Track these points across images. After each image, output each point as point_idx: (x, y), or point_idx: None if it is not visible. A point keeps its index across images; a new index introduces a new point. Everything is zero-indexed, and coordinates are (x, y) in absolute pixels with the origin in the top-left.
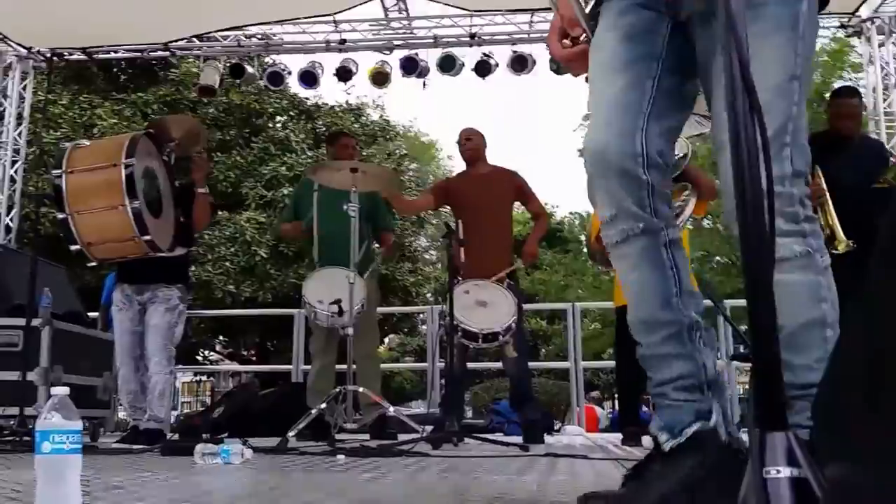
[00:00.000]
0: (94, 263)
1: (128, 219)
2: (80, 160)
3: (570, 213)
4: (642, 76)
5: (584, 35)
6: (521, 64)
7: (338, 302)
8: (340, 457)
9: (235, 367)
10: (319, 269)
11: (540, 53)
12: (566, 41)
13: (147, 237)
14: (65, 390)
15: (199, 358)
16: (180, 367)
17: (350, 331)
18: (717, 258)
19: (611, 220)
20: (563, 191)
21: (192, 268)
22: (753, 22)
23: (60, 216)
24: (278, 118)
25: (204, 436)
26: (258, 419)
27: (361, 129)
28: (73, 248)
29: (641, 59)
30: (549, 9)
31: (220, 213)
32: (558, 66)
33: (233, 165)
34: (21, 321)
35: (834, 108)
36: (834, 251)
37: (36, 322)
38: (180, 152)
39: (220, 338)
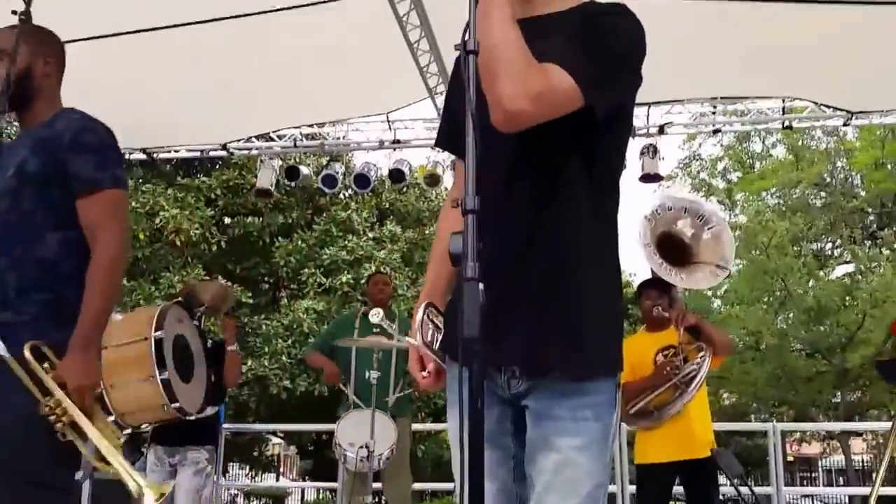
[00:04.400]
0: (128, 431)
1: (158, 389)
2: (113, 336)
3: None
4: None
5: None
6: None
7: (367, 446)
8: None
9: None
10: (353, 411)
11: None
12: (424, 373)
13: (176, 404)
14: None
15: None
16: None
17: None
18: None
19: None
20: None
21: (248, 362)
22: (574, 434)
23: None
24: (342, 195)
25: None
26: None
27: (426, 204)
28: (109, 418)
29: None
30: None
31: (280, 295)
32: None
33: (293, 250)
34: None
35: None
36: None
37: (77, 475)
38: (211, 314)
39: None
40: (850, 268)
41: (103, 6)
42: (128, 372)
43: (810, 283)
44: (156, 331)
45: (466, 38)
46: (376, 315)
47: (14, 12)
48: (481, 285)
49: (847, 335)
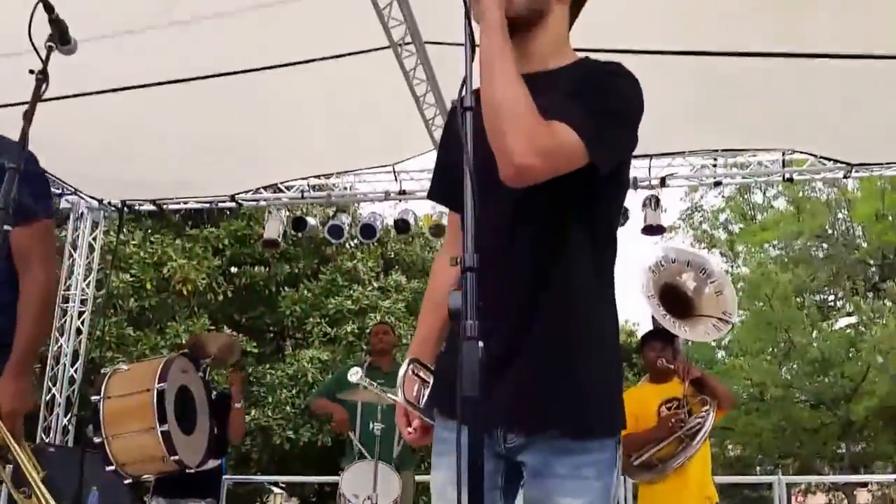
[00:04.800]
0: (129, 480)
1: (158, 441)
2: (117, 386)
3: None
4: None
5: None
6: None
7: (371, 498)
8: None
9: None
10: (357, 462)
11: None
12: (409, 428)
13: (176, 457)
14: None
15: None
16: None
17: None
18: None
19: None
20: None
21: (251, 411)
22: (576, 493)
23: (97, 440)
24: (347, 244)
25: None
26: None
27: (432, 254)
28: (108, 468)
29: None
30: None
31: (285, 345)
32: None
33: (299, 300)
34: None
35: None
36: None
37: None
38: (216, 366)
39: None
40: (853, 319)
41: (114, 60)
42: (129, 423)
43: (814, 335)
44: (159, 382)
45: (462, 94)
46: (355, 374)
47: (31, 72)
48: (481, 344)
49: (851, 387)
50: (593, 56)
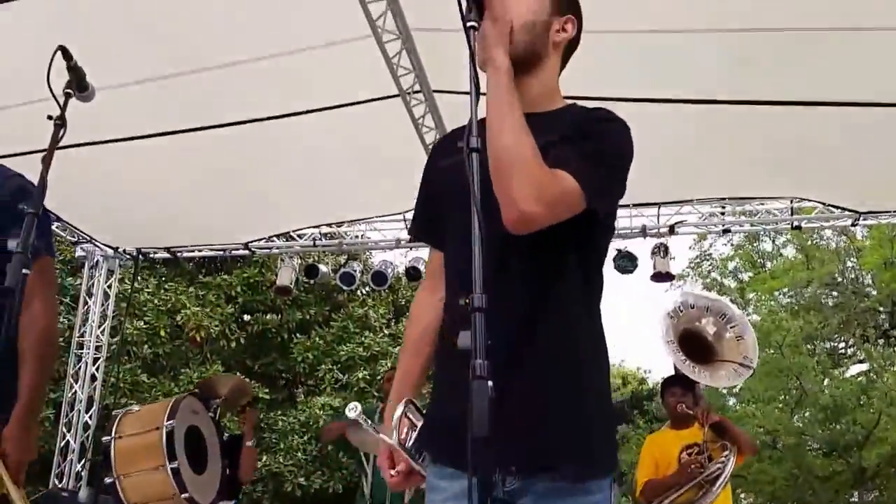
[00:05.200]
0: None
1: (168, 478)
2: (127, 426)
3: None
4: None
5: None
6: None
7: None
8: None
9: None
10: None
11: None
12: (393, 471)
13: (186, 494)
14: None
15: None
16: None
17: None
18: None
19: None
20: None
21: (263, 457)
22: None
23: (108, 480)
24: (359, 291)
25: None
26: None
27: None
28: None
29: None
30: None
31: (297, 392)
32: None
33: (311, 346)
34: None
35: None
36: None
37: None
38: (227, 407)
39: None
40: (864, 366)
41: (129, 110)
42: (139, 461)
43: (825, 382)
44: (168, 420)
45: (468, 135)
46: (353, 410)
47: (49, 117)
48: (490, 383)
49: (863, 434)
50: (602, 103)
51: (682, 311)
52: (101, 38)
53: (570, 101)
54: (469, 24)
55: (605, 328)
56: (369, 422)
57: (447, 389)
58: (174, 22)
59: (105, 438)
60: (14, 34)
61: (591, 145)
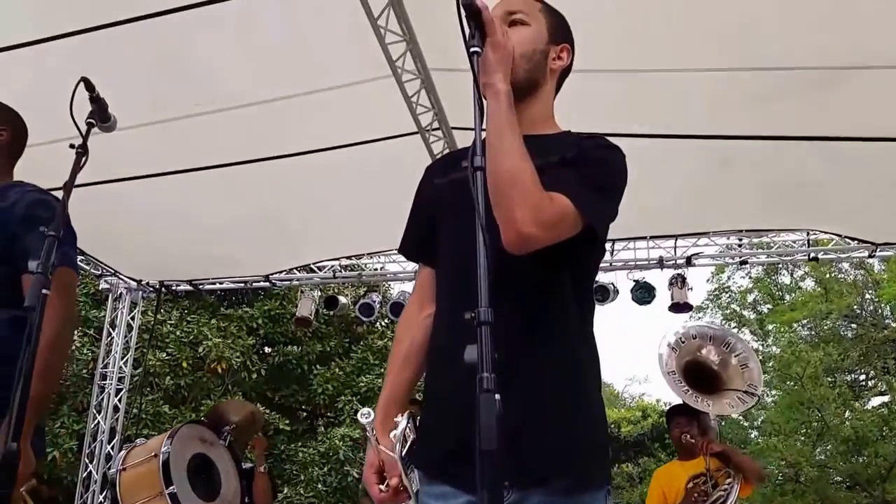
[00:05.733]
0: None
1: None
2: (132, 457)
3: None
4: None
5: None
6: (602, 294)
7: None
8: None
9: None
10: None
11: (621, 281)
12: (382, 486)
13: None
14: None
15: None
16: None
17: None
18: None
19: None
20: None
21: (284, 489)
22: None
23: None
24: (378, 323)
25: None
26: None
27: None
28: None
29: None
30: (626, 239)
31: (317, 423)
32: (640, 299)
33: (331, 378)
34: None
35: None
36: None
37: None
38: (240, 434)
39: None
40: (885, 398)
41: (152, 147)
42: (141, 490)
43: (847, 414)
44: (163, 448)
45: (472, 154)
46: (365, 416)
47: (72, 146)
48: (498, 396)
49: (886, 466)
50: (630, 139)
51: (683, 343)
52: (126, 75)
53: (565, 130)
54: (472, 49)
55: (607, 348)
56: (372, 431)
57: (444, 404)
58: (201, 60)
59: (111, 472)
60: (45, 74)
61: (589, 170)
